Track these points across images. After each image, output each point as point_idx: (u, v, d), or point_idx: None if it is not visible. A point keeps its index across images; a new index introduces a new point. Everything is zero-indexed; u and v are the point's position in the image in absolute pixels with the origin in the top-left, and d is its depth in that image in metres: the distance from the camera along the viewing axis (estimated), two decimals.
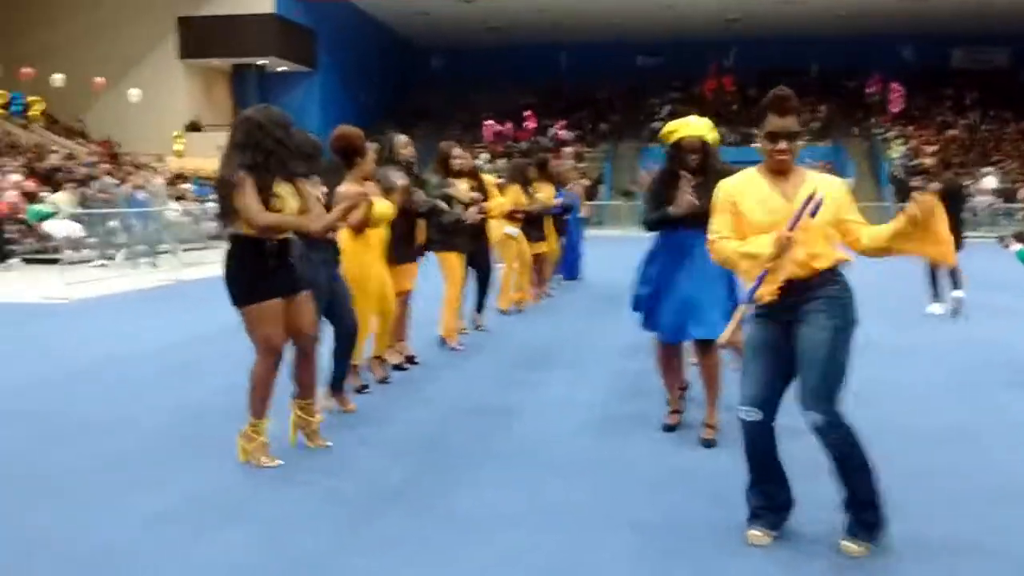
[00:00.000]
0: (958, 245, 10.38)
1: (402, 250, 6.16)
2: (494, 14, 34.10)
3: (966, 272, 9.08)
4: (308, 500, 3.89)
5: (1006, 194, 27.06)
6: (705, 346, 4.77)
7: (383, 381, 6.04)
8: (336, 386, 5.30)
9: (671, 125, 4.85)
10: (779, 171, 3.35)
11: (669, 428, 4.99)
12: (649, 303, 4.83)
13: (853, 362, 3.30)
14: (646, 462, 4.43)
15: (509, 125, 33.07)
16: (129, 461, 4.42)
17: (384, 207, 5.60)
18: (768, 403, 3.37)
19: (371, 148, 5.67)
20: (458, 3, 32.31)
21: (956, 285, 9.44)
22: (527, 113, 32.79)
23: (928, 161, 29.41)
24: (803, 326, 3.27)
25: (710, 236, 3.47)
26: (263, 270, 4.16)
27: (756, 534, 3.39)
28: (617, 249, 13.15)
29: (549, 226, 10.58)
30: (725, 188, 3.47)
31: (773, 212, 3.29)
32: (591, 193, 27.37)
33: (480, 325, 8.38)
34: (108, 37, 28.82)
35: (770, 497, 3.44)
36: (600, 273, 13.09)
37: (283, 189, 4.22)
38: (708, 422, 4.81)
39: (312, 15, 31.65)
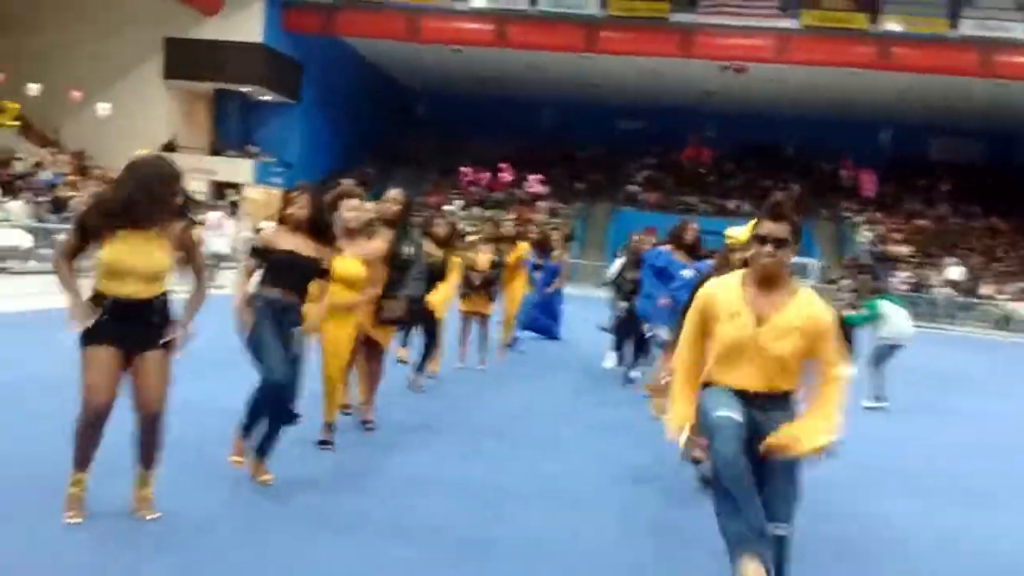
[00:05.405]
0: None
1: None
2: (483, 65, 34.40)
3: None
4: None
5: (967, 287, 27.37)
6: None
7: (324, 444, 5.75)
8: (259, 450, 4.93)
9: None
10: (765, 279, 3.30)
11: None
12: None
13: None
14: None
15: (486, 175, 33.22)
16: None
17: (348, 267, 5.50)
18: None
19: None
20: (449, 52, 32.61)
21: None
22: (503, 165, 32.97)
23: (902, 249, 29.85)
24: None
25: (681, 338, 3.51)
26: (100, 317, 3.98)
27: (752, 566, 3.13)
28: (578, 309, 13.12)
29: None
30: (703, 291, 3.46)
31: (739, 330, 3.25)
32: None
33: (420, 387, 8.17)
34: (92, 50, 28.72)
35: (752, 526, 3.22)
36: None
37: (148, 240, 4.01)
38: None
39: (301, 48, 31.77)
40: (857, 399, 9.09)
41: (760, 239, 3.27)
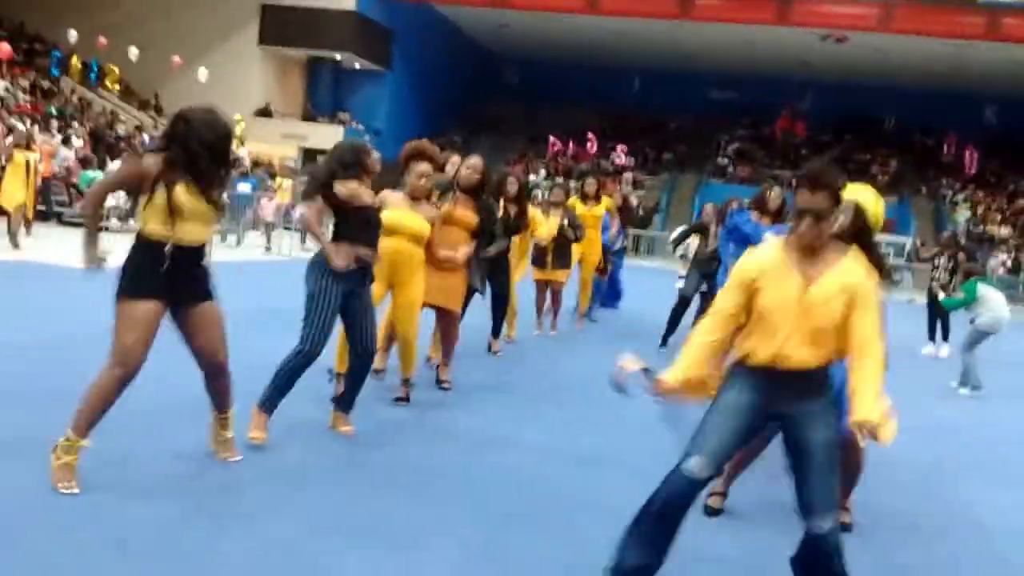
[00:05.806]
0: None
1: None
2: (572, 33, 34.13)
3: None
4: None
5: None
6: None
7: (400, 400, 5.88)
8: (340, 406, 5.09)
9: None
10: (806, 248, 3.13)
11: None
12: None
13: None
14: None
15: (571, 144, 33.02)
16: None
17: (411, 223, 5.51)
18: (719, 466, 3.22)
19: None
20: (538, 18, 32.39)
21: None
22: (590, 135, 32.68)
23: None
24: (813, 430, 3.14)
25: (711, 310, 3.31)
26: (152, 268, 3.82)
27: None
28: (660, 281, 12.85)
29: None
30: (742, 262, 3.27)
31: (786, 292, 3.09)
32: (644, 222, 27.15)
33: (496, 351, 8.23)
34: (190, 16, 29.48)
35: (649, 567, 3.21)
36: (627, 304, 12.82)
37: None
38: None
39: (392, 15, 32.03)
40: (949, 383, 9.05)
41: (799, 212, 3.06)
